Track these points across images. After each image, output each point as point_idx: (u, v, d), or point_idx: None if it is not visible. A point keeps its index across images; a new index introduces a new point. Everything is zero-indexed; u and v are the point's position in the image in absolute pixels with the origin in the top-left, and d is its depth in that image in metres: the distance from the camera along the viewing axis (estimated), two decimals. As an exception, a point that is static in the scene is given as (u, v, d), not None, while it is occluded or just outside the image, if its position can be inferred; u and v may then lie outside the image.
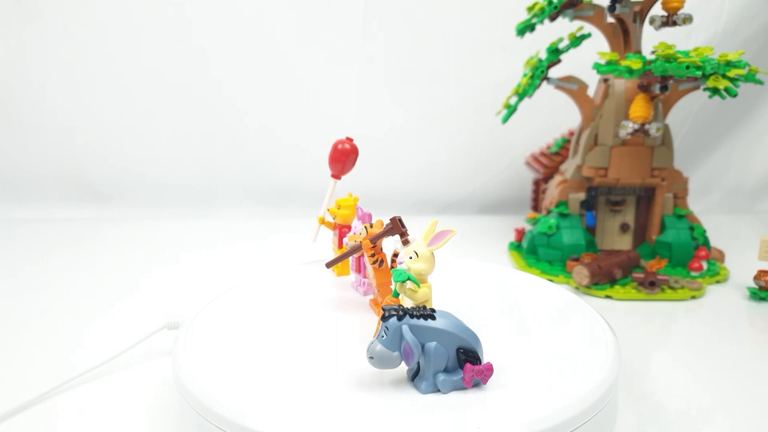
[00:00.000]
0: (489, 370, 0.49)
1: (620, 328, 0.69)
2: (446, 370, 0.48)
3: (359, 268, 0.70)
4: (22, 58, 1.45)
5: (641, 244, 1.07)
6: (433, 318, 0.47)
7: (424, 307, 0.48)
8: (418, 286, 0.52)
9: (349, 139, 0.76)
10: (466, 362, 0.48)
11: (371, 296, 0.68)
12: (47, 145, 1.49)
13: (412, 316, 0.47)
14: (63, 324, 0.80)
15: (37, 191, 1.50)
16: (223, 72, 1.50)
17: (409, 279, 0.52)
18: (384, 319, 0.46)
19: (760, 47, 1.43)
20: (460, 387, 0.48)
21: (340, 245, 0.74)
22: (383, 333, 0.46)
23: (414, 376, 0.49)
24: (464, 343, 0.48)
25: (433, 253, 0.54)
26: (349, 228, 0.74)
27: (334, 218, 0.75)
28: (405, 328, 0.46)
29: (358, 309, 0.65)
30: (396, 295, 0.53)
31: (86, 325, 0.80)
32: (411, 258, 0.53)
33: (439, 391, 0.48)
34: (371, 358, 0.46)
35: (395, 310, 0.47)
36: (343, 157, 0.76)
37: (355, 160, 0.77)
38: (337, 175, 0.77)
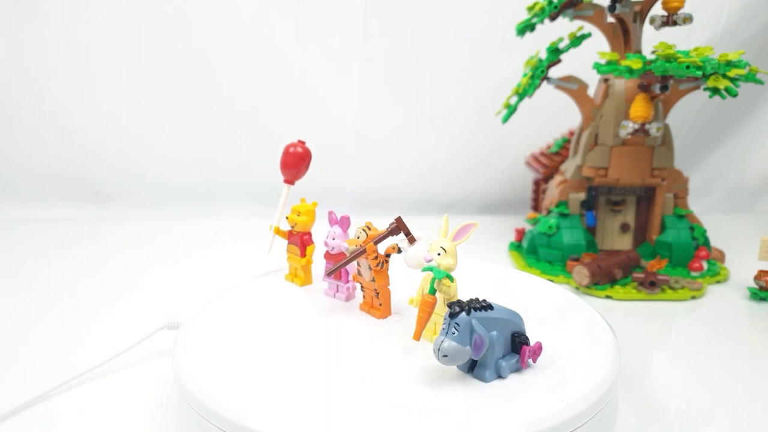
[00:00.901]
0: (539, 348, 0.52)
1: (620, 328, 0.68)
2: (502, 356, 0.50)
3: (339, 275, 0.67)
4: (22, 58, 1.45)
5: (641, 244, 1.07)
6: (492, 308, 0.49)
7: (478, 299, 0.49)
8: (452, 281, 0.53)
9: (301, 142, 0.74)
10: (521, 345, 0.51)
11: (351, 300, 0.67)
12: (47, 145, 1.49)
13: (476, 309, 0.48)
14: (63, 324, 0.80)
15: (37, 191, 1.50)
16: (223, 72, 1.50)
17: (447, 276, 0.53)
18: (453, 315, 0.47)
19: (760, 47, 1.43)
20: (517, 368, 0.51)
21: (303, 253, 0.71)
22: (454, 329, 0.47)
23: (470, 367, 0.50)
24: (517, 328, 0.52)
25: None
26: (309, 234, 0.72)
27: (293, 226, 0.71)
28: (475, 321, 0.47)
29: (352, 311, 0.65)
30: (432, 291, 0.53)
31: (86, 325, 0.80)
32: (439, 254, 0.53)
33: (500, 377, 0.50)
34: (445, 356, 0.46)
35: (460, 306, 0.48)
36: (298, 161, 0.72)
37: (309, 163, 0.74)
38: (291, 181, 0.74)
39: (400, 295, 0.64)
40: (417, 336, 0.53)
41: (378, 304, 0.62)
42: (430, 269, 0.53)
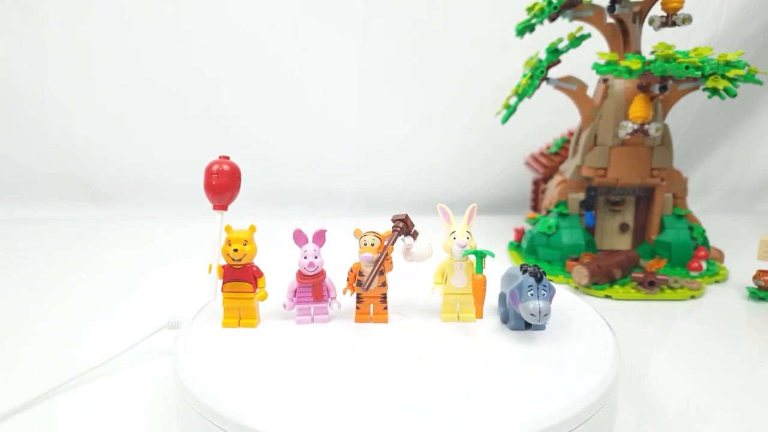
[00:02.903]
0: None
1: (620, 328, 0.69)
2: None
3: (321, 294, 0.61)
4: (22, 58, 1.45)
5: (641, 244, 1.07)
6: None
7: (526, 263, 0.56)
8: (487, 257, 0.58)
9: (225, 158, 0.61)
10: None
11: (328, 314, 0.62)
12: (47, 145, 1.49)
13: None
14: (63, 324, 0.80)
15: (37, 191, 1.50)
16: (223, 72, 1.50)
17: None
18: (539, 280, 0.54)
19: (759, 47, 1.43)
20: None
21: (255, 287, 0.60)
22: (544, 291, 0.53)
23: (527, 324, 0.57)
24: None
25: None
26: (253, 264, 0.61)
27: (241, 258, 0.59)
28: (549, 281, 0.54)
29: (350, 314, 0.63)
30: (480, 270, 0.57)
31: (86, 325, 0.80)
32: (468, 238, 0.58)
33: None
34: (546, 315, 0.52)
35: (539, 271, 0.54)
36: (232, 180, 0.61)
37: (240, 180, 0.62)
38: (224, 206, 0.62)
39: (397, 295, 0.64)
40: (480, 313, 0.58)
41: (383, 308, 0.61)
42: (475, 252, 0.57)
